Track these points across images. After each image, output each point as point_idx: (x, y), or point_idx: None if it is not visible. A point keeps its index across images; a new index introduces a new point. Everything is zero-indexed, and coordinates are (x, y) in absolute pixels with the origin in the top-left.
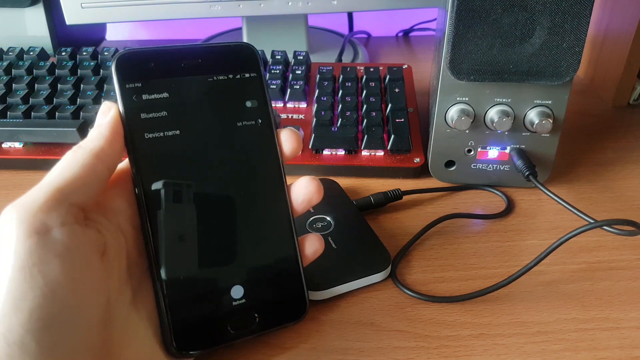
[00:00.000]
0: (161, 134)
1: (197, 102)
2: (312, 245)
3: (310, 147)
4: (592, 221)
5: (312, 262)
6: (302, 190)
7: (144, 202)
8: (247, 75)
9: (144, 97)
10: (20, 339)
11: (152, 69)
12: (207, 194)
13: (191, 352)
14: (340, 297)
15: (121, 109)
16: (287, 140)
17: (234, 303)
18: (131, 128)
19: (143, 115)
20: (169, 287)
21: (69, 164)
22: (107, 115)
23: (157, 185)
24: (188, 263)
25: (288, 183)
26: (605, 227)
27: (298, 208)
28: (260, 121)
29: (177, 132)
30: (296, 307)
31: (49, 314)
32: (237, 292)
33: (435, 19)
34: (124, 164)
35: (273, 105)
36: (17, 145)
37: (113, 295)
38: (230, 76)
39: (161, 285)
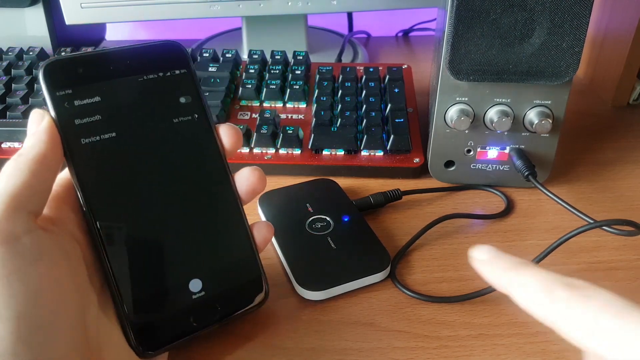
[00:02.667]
0: (97, 138)
1: (130, 103)
2: (260, 233)
3: (309, 147)
4: (591, 221)
5: (263, 248)
6: (245, 182)
7: (88, 207)
8: (177, 71)
9: (76, 102)
10: (12, 347)
11: (80, 75)
12: (151, 192)
13: (156, 351)
14: (339, 297)
15: (54, 116)
16: (226, 135)
17: (194, 297)
18: (67, 135)
19: (77, 121)
20: (123, 289)
21: (15, 172)
22: (41, 122)
23: (99, 189)
24: (141, 263)
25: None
26: (604, 227)
27: (244, 198)
28: (196, 116)
29: (114, 134)
30: (256, 292)
31: (35, 318)
32: (195, 285)
33: (435, 19)
34: (63, 173)
35: (273, 105)
36: (17, 145)
37: (82, 297)
38: (160, 74)
39: (116, 287)
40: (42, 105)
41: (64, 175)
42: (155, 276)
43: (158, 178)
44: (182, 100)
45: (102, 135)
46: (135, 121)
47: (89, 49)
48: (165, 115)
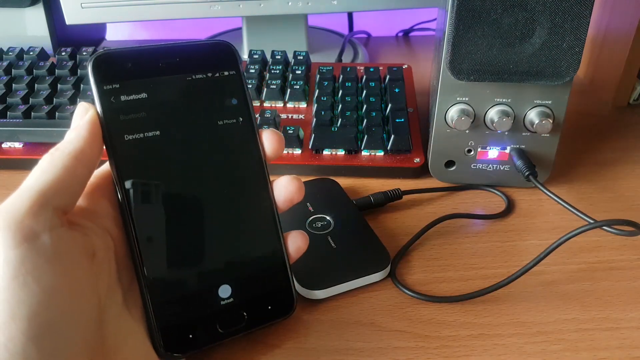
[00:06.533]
0: (141, 135)
1: (176, 102)
2: (294, 243)
3: (310, 147)
4: (592, 221)
5: (297, 259)
6: (283, 190)
7: (126, 204)
8: (226, 73)
9: (122, 98)
10: (22, 347)
11: (129, 70)
12: (189, 193)
13: (180, 354)
14: (339, 296)
15: (99, 110)
16: (268, 140)
17: (222, 302)
18: (110, 130)
19: (122, 117)
20: (154, 289)
21: (49, 167)
22: (85, 116)
23: (138, 187)
24: (173, 264)
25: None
26: (605, 227)
27: (280, 206)
28: (241, 119)
29: (157, 132)
30: (284, 303)
31: (47, 320)
32: (224, 291)
33: (435, 19)
34: (105, 166)
35: (273, 105)
36: (17, 145)
37: (103, 297)
38: (209, 74)
39: (146, 286)
40: (42, 106)
41: (105, 168)
42: (185, 278)
43: (197, 179)
44: (229, 102)
45: (146, 132)
46: (179, 121)
47: (90, 49)
48: (210, 117)
